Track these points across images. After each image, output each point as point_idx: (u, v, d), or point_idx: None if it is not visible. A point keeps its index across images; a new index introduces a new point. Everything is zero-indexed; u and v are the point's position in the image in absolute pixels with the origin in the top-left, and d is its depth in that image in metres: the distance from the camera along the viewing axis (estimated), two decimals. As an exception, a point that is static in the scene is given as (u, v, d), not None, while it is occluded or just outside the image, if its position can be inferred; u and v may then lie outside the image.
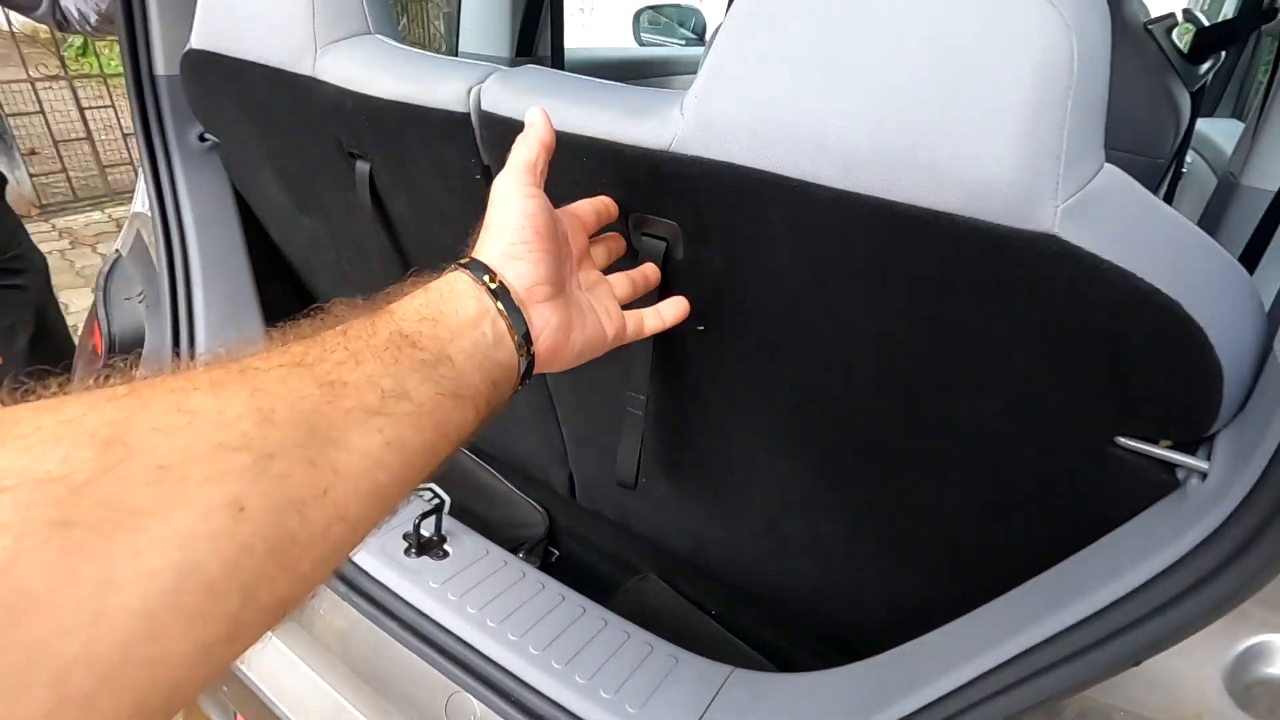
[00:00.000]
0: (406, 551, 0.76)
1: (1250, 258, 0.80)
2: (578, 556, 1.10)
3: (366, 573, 0.73)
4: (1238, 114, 1.78)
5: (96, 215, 3.49)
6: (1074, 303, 0.40)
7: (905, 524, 0.66)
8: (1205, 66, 1.04)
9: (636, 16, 2.53)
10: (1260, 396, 0.42)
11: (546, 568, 1.10)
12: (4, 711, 0.18)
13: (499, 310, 0.37)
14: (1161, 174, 1.10)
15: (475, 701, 0.64)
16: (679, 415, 0.70)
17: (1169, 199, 1.17)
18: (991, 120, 0.37)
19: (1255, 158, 0.89)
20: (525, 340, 0.38)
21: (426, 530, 0.77)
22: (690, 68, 2.30)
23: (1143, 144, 1.05)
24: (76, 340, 1.28)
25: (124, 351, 1.00)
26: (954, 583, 0.70)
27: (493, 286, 0.37)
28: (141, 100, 0.91)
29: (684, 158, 0.46)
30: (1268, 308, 0.44)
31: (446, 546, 0.78)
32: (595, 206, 0.49)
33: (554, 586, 0.74)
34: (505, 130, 0.53)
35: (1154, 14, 1.03)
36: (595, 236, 0.50)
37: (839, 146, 0.41)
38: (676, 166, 0.47)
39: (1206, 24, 1.02)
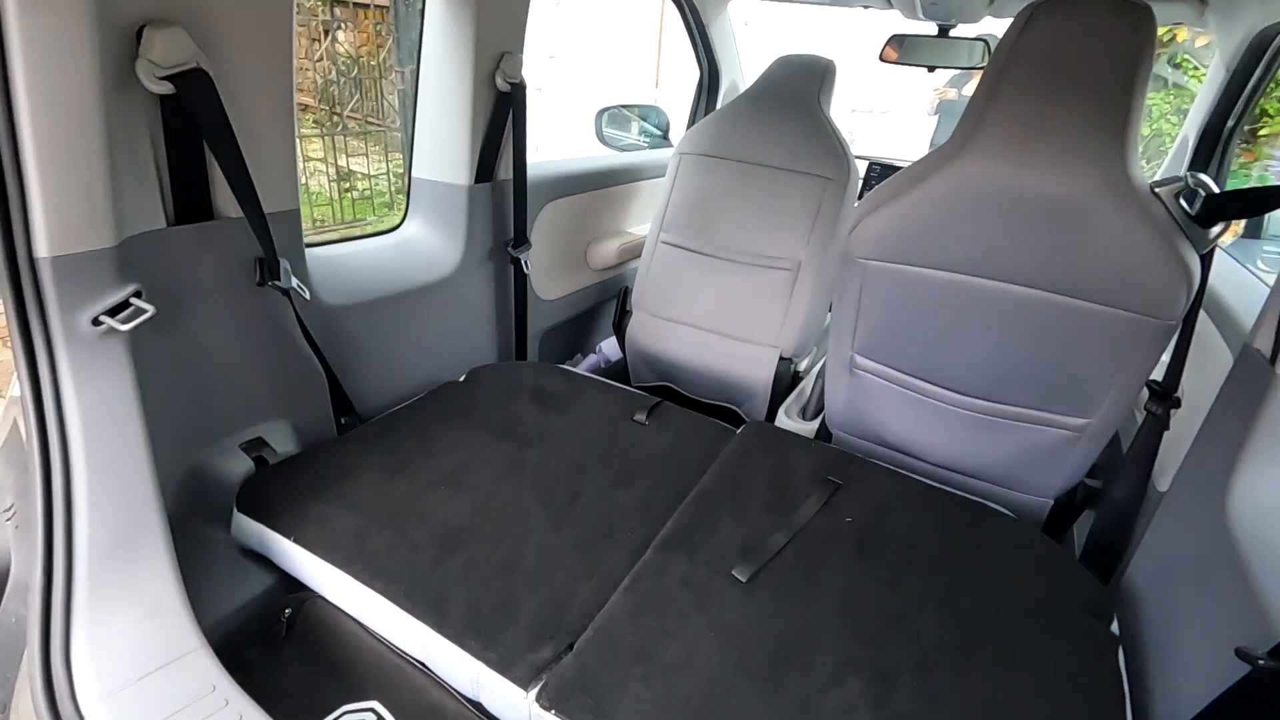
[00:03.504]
0: None
1: None
2: None
3: None
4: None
5: None
6: None
7: None
8: (1215, 230, 1.00)
9: (599, 116, 2.47)
10: None
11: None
12: None
13: None
14: (1172, 336, 1.04)
15: None
16: None
17: (1179, 362, 1.11)
18: None
19: None
20: None
21: None
22: (655, 171, 2.23)
23: (1152, 306, 0.98)
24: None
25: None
26: None
27: None
28: (17, 285, 0.74)
29: None
30: None
31: None
32: None
33: None
34: None
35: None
36: None
37: None
38: None
39: (1216, 190, 0.97)
